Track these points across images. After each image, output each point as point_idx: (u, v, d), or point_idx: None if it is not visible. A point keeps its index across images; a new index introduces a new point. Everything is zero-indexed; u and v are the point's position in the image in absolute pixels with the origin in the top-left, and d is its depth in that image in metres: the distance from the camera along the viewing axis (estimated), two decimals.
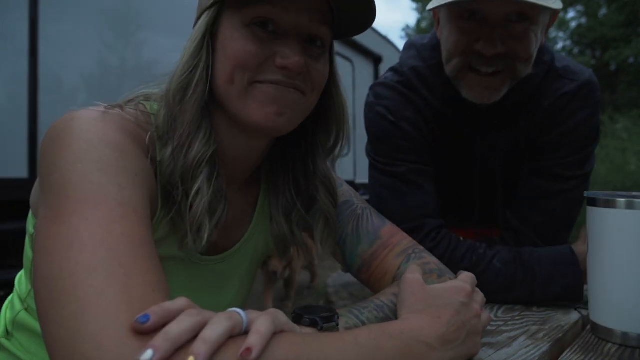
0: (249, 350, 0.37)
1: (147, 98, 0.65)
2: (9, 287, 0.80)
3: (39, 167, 0.54)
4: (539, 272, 0.87)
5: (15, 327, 0.71)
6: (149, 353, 0.35)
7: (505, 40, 0.86)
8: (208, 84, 0.60)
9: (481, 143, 1.05)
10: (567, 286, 0.86)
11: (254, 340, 0.38)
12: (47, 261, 0.43)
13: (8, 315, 0.73)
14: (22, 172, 2.84)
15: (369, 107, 1.07)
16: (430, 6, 0.90)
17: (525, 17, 0.86)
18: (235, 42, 0.59)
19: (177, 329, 0.37)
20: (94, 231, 0.44)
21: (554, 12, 0.93)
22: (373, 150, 1.05)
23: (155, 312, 0.38)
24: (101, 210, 0.45)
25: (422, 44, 1.06)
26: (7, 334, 0.72)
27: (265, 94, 0.59)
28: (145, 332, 0.37)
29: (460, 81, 0.93)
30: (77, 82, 3.48)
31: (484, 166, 1.08)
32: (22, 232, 0.70)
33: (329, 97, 0.69)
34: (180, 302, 0.41)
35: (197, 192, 0.58)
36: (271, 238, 0.75)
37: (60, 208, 0.46)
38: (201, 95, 0.60)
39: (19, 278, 0.75)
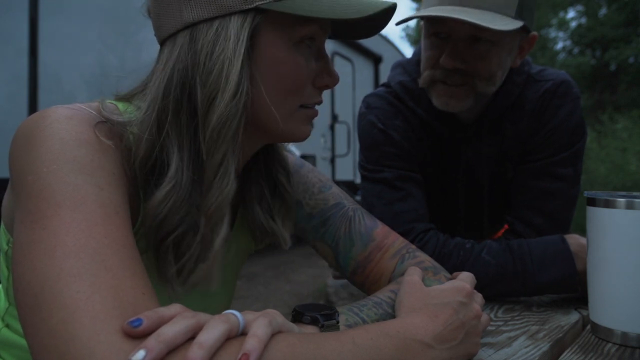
0: (246, 355, 0.37)
1: (124, 125, 0.55)
2: None
3: (10, 169, 0.50)
4: (529, 261, 0.88)
5: None
6: (140, 354, 0.34)
7: (467, 58, 0.93)
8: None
9: (467, 151, 1.09)
10: (559, 274, 0.86)
11: (252, 344, 0.38)
12: (29, 269, 0.41)
13: None
14: None
15: (361, 117, 1.12)
16: (399, 20, 0.96)
17: (485, 39, 0.91)
18: (289, 66, 0.57)
19: (171, 330, 0.36)
20: (76, 235, 0.42)
21: (528, 36, 0.99)
22: (364, 159, 1.09)
23: (148, 316, 0.37)
24: (81, 213, 0.43)
25: (407, 61, 1.15)
26: None
27: (309, 116, 0.63)
28: (137, 336, 0.36)
29: (431, 91, 1.00)
30: (77, 82, 3.48)
31: (470, 178, 1.11)
32: None
33: None
34: (175, 307, 0.40)
35: (217, 234, 0.56)
36: (251, 230, 0.72)
37: (38, 212, 0.43)
38: (240, 126, 0.54)
39: None
